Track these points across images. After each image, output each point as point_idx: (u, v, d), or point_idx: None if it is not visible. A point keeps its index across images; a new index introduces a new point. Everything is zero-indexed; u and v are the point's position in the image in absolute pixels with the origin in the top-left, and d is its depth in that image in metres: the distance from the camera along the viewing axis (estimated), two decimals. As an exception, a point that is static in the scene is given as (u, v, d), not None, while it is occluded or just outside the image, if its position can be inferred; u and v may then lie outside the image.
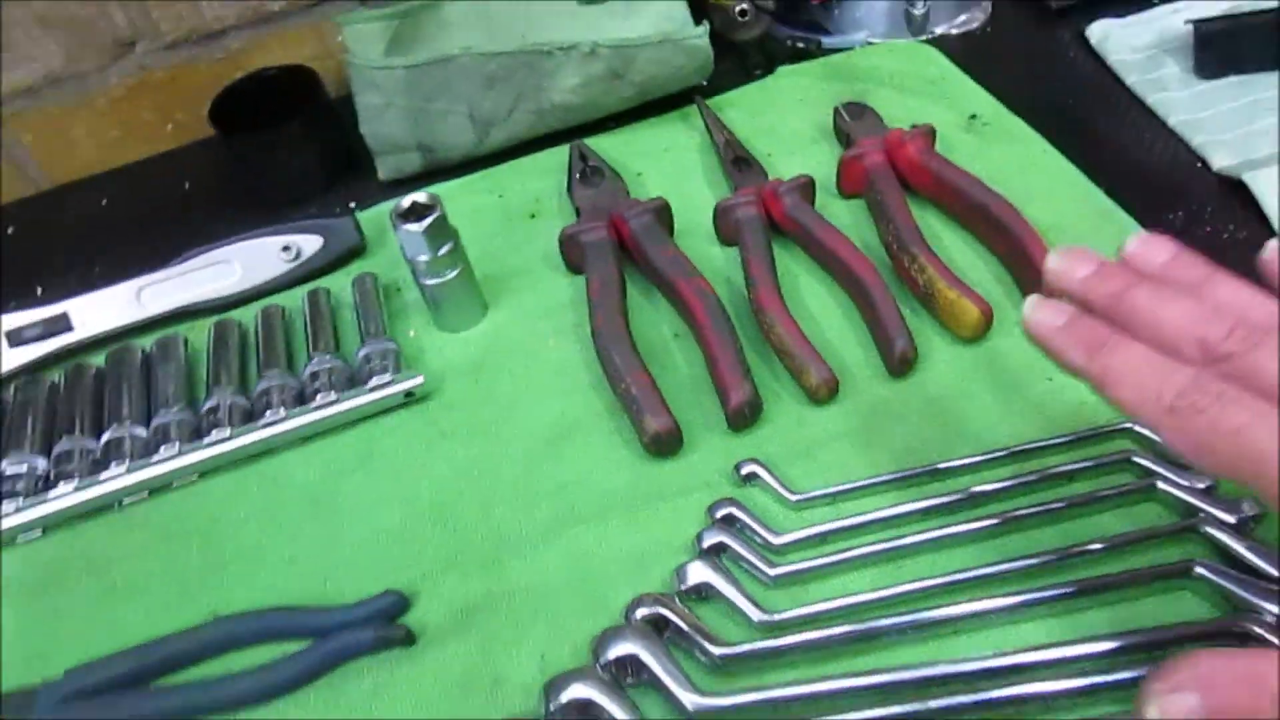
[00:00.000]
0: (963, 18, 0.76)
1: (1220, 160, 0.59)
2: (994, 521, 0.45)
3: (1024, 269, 0.53)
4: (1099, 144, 0.63)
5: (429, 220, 0.53)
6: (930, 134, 0.60)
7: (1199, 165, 0.60)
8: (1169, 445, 0.30)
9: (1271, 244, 0.35)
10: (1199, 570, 0.41)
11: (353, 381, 0.55)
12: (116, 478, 0.51)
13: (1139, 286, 0.33)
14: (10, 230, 0.74)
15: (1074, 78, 0.70)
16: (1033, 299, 0.34)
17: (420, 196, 0.54)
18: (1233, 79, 0.63)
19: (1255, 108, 0.61)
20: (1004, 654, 0.39)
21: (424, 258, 0.54)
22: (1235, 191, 0.58)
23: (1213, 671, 0.29)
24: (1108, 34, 0.70)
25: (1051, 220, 0.57)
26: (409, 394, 0.54)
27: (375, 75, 0.65)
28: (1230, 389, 0.29)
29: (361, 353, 0.56)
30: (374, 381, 0.54)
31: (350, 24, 0.67)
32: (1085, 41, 0.71)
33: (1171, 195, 0.59)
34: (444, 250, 0.54)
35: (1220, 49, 0.64)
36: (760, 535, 0.46)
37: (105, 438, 0.53)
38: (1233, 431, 0.28)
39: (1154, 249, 0.35)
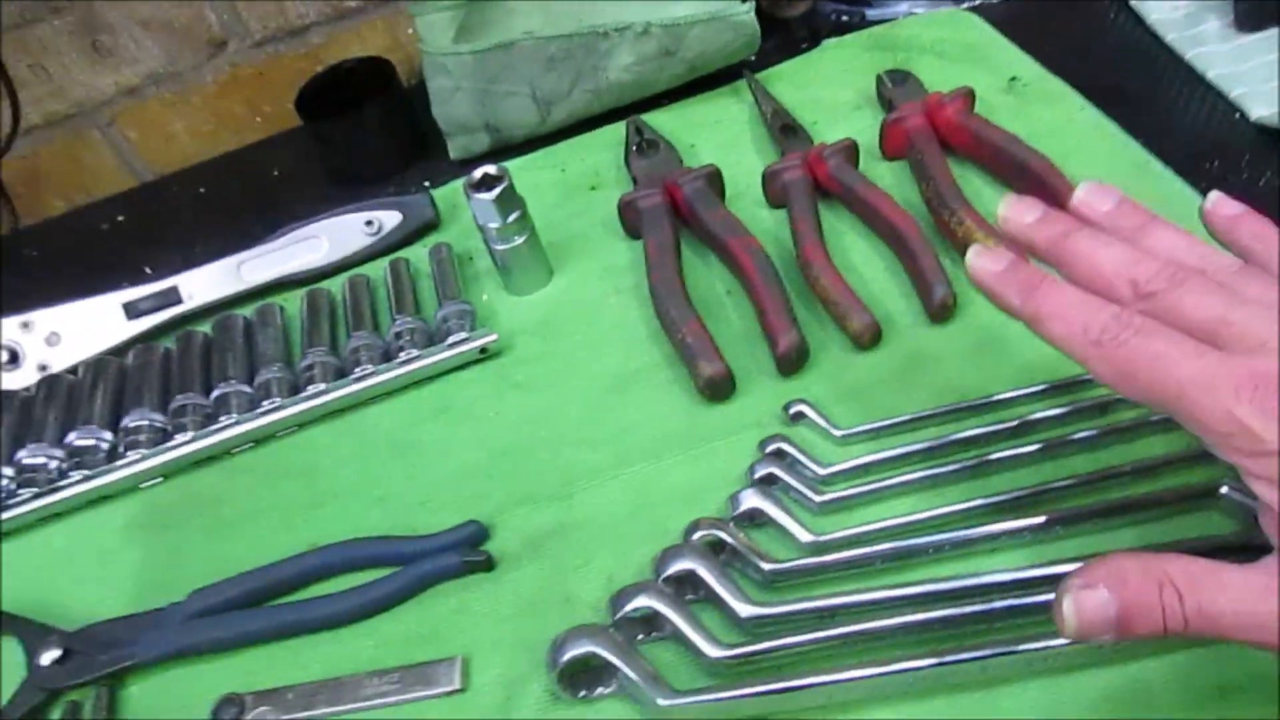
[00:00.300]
0: (1005, -15, 0.78)
1: (1258, 110, 0.60)
2: (1031, 449, 0.48)
3: (1061, 219, 0.56)
4: (1139, 101, 0.65)
5: (498, 189, 0.57)
6: (969, 96, 0.63)
7: (1237, 116, 0.62)
8: (1097, 377, 0.33)
9: (1213, 196, 0.37)
10: (1225, 490, 0.44)
11: (432, 340, 0.60)
12: (227, 428, 0.58)
13: (1079, 232, 0.35)
14: (121, 219, 0.82)
15: (1114, 39, 0.72)
16: (975, 248, 0.36)
17: (490, 168, 0.58)
18: (1272, 32, 0.65)
19: (1294, 59, 0.62)
20: (1036, 566, 0.43)
21: (494, 224, 0.59)
22: (1273, 140, 0.59)
23: (1123, 569, 0.31)
24: (1149, -6, 0.71)
25: (1089, 175, 0.58)
26: (483, 350, 0.59)
27: (445, 61, 0.70)
28: (1151, 322, 0.31)
29: (440, 314, 0.61)
30: (452, 339, 0.59)
31: (422, 14, 0.72)
32: (1125, 3, 0.73)
33: (1209, 147, 0.61)
34: (513, 218, 0.59)
35: (1260, 1, 0.65)
36: (808, 467, 0.49)
37: (215, 394, 0.59)
38: (1151, 359, 0.31)
39: (1098, 196, 0.37)
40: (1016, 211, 0.37)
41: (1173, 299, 0.32)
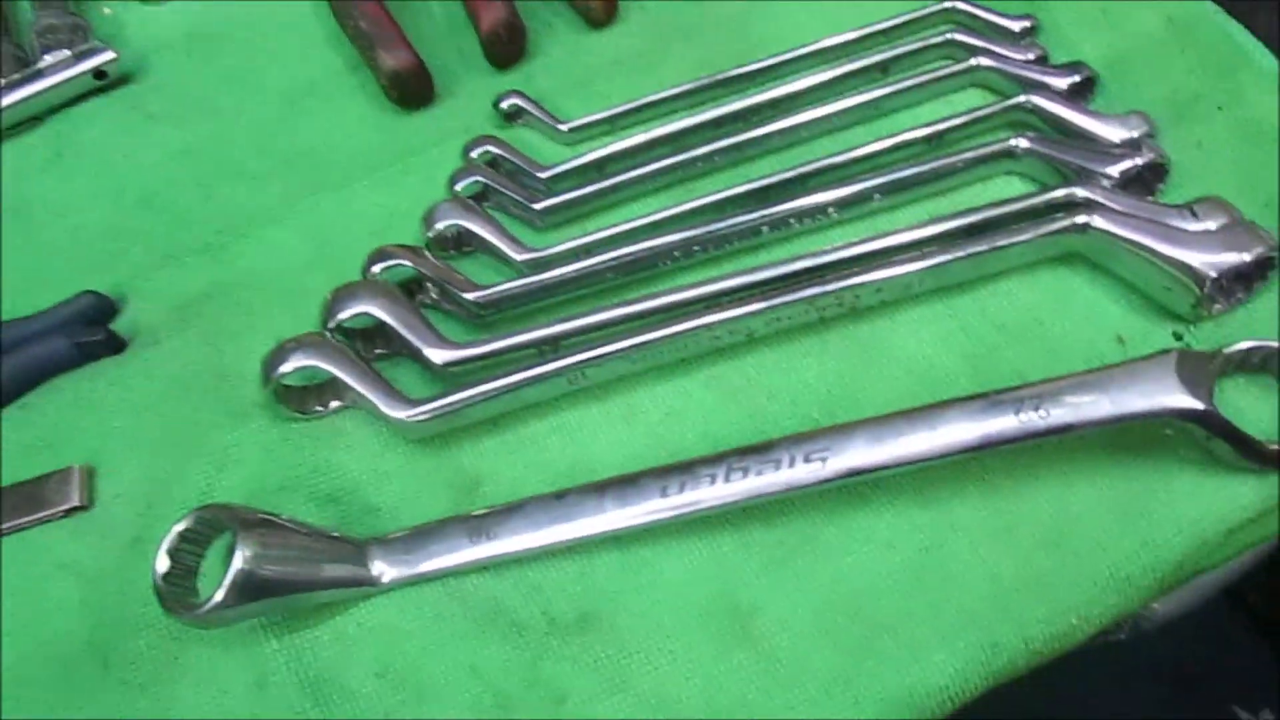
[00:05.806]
0: None
1: None
2: (798, 121, 0.38)
3: None
4: None
5: None
6: None
7: None
8: None
9: None
10: (1023, 144, 0.36)
11: (26, 66, 0.44)
12: None
13: None
14: None
15: None
16: None
17: None
18: None
19: None
20: (808, 255, 0.34)
21: (81, -111, 0.42)
22: None
23: None
24: None
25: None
26: (101, 74, 0.43)
27: None
28: None
29: (35, 27, 0.44)
30: (48, 58, 0.43)
31: None
32: None
33: None
34: (107, -123, 0.42)
35: None
36: (526, 171, 0.38)
37: None
38: None
39: None
40: None
41: None
